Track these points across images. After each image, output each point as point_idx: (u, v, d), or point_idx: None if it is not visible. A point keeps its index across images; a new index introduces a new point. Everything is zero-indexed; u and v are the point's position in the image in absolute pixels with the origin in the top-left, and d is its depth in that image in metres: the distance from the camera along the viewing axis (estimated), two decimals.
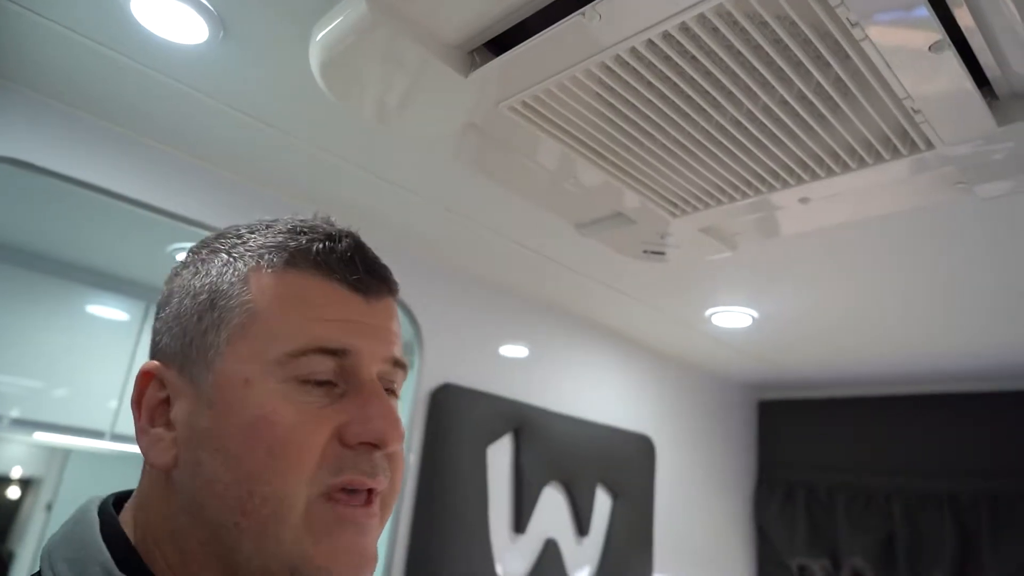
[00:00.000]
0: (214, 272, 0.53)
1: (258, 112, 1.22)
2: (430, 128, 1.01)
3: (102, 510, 0.51)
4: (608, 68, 0.81)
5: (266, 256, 0.53)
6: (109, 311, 2.36)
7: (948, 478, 2.44)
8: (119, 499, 0.54)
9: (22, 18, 1.00)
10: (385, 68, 0.88)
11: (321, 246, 0.53)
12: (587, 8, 0.72)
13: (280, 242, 0.53)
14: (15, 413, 2.06)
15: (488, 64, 0.84)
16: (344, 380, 0.51)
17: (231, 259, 0.53)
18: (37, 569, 0.48)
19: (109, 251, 2.16)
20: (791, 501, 2.84)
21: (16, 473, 2.46)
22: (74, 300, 2.29)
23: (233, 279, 0.52)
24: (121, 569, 0.46)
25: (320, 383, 0.50)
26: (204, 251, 0.55)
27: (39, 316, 2.15)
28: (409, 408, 1.74)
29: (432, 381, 1.78)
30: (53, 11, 0.99)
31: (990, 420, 2.42)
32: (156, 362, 0.52)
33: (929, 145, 0.89)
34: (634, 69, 0.81)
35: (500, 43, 0.84)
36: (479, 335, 1.97)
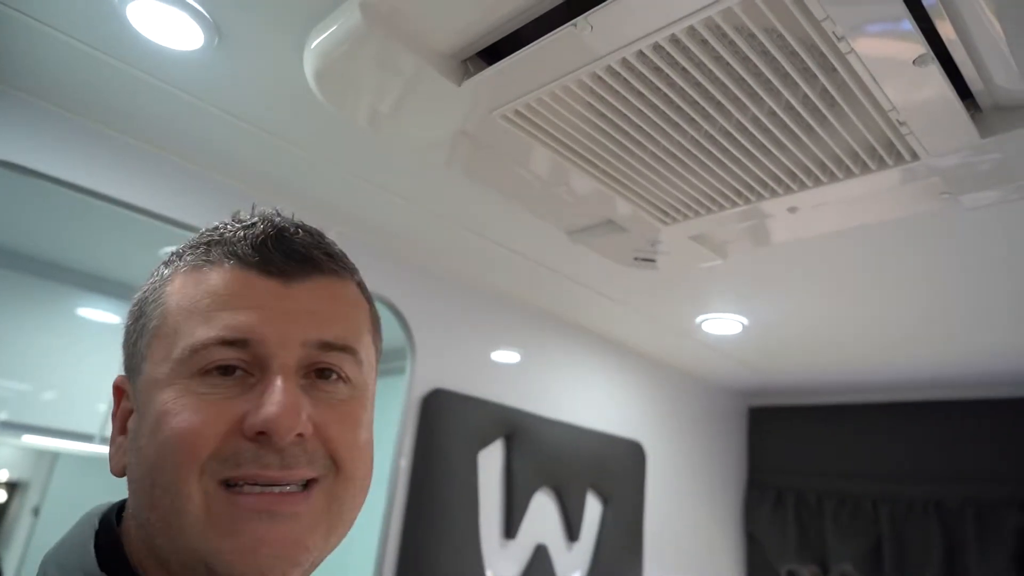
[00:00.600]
0: (147, 283, 0.55)
1: (253, 118, 1.23)
2: (423, 135, 1.01)
3: (104, 518, 0.52)
4: (599, 78, 0.82)
5: (185, 256, 0.53)
6: (99, 314, 2.35)
7: (935, 485, 2.46)
8: (124, 506, 0.55)
9: (18, 22, 1.01)
10: (379, 76, 0.89)
11: (232, 235, 0.53)
12: (579, 19, 0.73)
13: (198, 240, 0.54)
14: (3, 416, 2.05)
15: (481, 73, 0.85)
16: (258, 369, 0.49)
17: (163, 267, 0.55)
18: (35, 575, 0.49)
19: (101, 254, 2.15)
20: (780, 507, 2.85)
21: (3, 477, 2.44)
22: (65, 302, 2.28)
23: (156, 284, 0.54)
24: (104, 571, 0.47)
25: (229, 374, 0.49)
26: (155, 268, 0.57)
27: (29, 318, 2.14)
28: (400, 413, 1.74)
29: (424, 386, 1.79)
30: (49, 15, 0.99)
31: (976, 427, 2.45)
32: (122, 375, 0.55)
33: (914, 156, 0.90)
34: (625, 79, 0.82)
35: (493, 52, 0.85)
36: (471, 340, 1.98)
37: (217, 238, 0.53)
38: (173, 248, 0.56)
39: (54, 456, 2.43)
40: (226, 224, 0.55)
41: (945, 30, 0.73)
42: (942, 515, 2.41)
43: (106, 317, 2.36)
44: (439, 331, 1.86)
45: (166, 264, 0.55)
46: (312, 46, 0.90)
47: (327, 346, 0.52)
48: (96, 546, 0.48)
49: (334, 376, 0.53)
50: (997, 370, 2.28)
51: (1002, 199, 1.02)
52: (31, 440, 2.16)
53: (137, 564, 0.49)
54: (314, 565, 0.50)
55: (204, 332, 0.49)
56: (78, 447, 2.15)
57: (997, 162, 0.92)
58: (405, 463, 1.71)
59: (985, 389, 2.46)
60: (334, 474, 0.51)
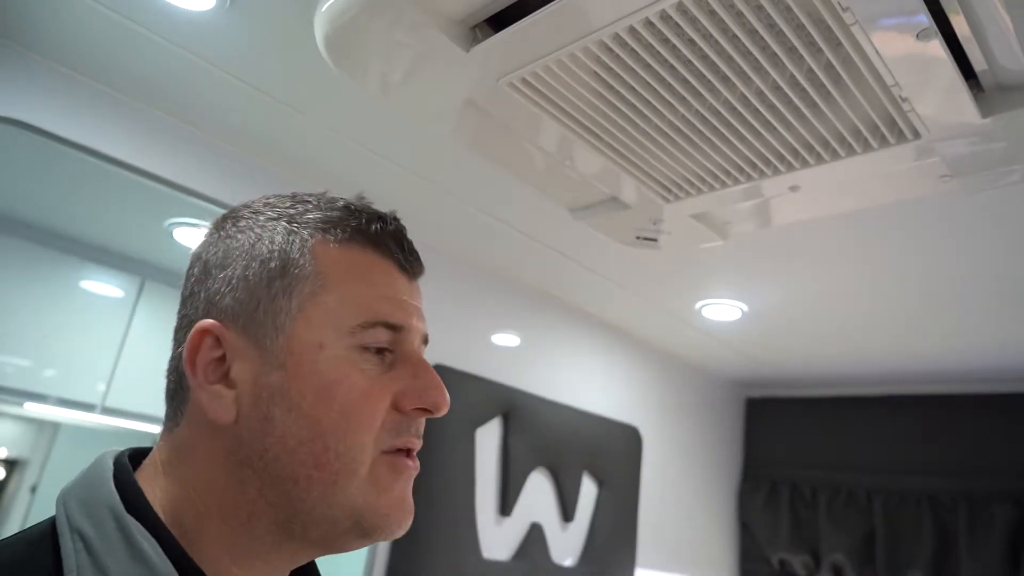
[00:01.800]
0: (279, 240, 0.56)
1: (261, 83, 1.24)
2: (431, 103, 1.02)
3: (117, 460, 0.54)
4: (606, 47, 0.83)
5: (331, 230, 0.57)
6: (103, 287, 2.35)
7: (928, 477, 2.48)
8: (135, 453, 0.56)
9: None
10: (388, 41, 0.90)
11: (377, 226, 0.59)
12: None
13: (340, 218, 0.58)
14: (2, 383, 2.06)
15: (489, 39, 0.86)
16: (394, 352, 0.57)
17: (294, 228, 0.57)
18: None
19: (105, 223, 2.16)
20: (775, 497, 2.87)
21: (2, 454, 2.46)
22: (68, 274, 2.28)
23: (303, 249, 0.56)
24: (128, 512, 0.48)
25: (378, 354, 0.55)
26: (259, 218, 0.58)
27: (31, 291, 2.14)
28: None
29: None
30: None
31: (970, 422, 2.46)
32: (213, 321, 0.54)
33: (916, 134, 0.91)
34: (631, 49, 0.83)
35: (501, 19, 0.86)
36: (472, 319, 1.99)
37: (362, 224, 0.58)
38: (291, 208, 0.58)
39: (53, 432, 2.44)
40: (357, 208, 0.60)
41: (950, 7, 0.74)
42: (935, 508, 2.42)
43: (110, 291, 2.36)
44: (440, 307, 1.88)
45: (293, 224, 0.57)
46: (322, 10, 0.90)
47: (426, 340, 0.62)
48: (116, 485, 0.51)
49: None
50: (992, 365, 2.29)
51: (1002, 182, 1.03)
52: (33, 408, 2.17)
53: (159, 510, 0.51)
54: None
55: (371, 313, 0.55)
56: (80, 416, 2.16)
57: (998, 144, 0.93)
58: None
59: (980, 384, 2.47)
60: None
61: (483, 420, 1.91)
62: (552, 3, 0.78)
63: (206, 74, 1.21)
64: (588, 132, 1.03)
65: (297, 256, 0.55)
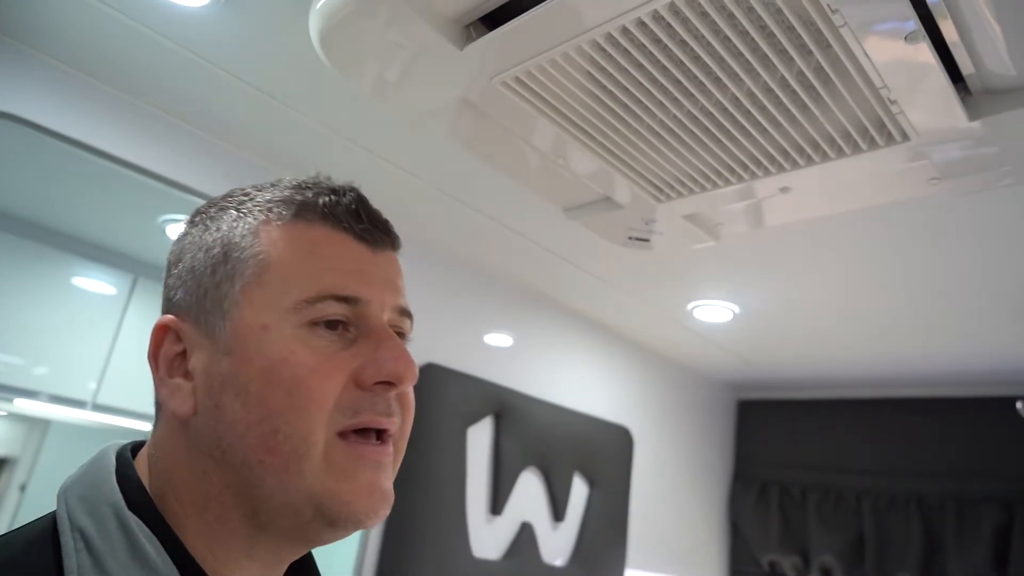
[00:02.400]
0: (224, 227, 0.55)
1: (255, 80, 1.24)
2: (426, 101, 1.03)
3: (119, 454, 0.53)
4: (599, 46, 0.84)
5: (275, 210, 0.55)
6: (96, 283, 2.35)
7: (916, 480, 2.50)
8: (136, 446, 0.56)
9: None
10: (383, 39, 0.90)
11: (327, 199, 0.56)
12: None
13: (287, 196, 0.56)
14: None
15: (483, 38, 0.86)
16: (356, 326, 0.54)
17: (240, 214, 0.56)
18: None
19: (98, 219, 2.15)
20: (765, 499, 2.88)
21: None
22: (60, 271, 2.27)
23: (244, 232, 0.55)
24: (131, 509, 0.48)
25: (332, 329, 0.52)
26: (212, 210, 0.57)
27: (22, 287, 2.13)
28: None
29: (416, 360, 1.80)
30: None
31: (959, 425, 2.48)
32: (171, 316, 0.54)
33: (905, 137, 0.92)
34: (624, 49, 0.84)
35: (495, 18, 0.86)
36: (465, 319, 2.00)
37: (311, 199, 0.56)
38: (244, 195, 0.58)
39: (44, 431, 2.42)
40: (307, 185, 0.58)
41: (938, 11, 0.75)
42: (923, 510, 2.44)
43: (102, 288, 2.35)
44: (434, 306, 1.88)
45: (241, 211, 0.56)
46: (317, 7, 0.91)
47: (403, 311, 0.57)
48: (117, 482, 0.50)
49: (403, 339, 0.58)
50: (981, 368, 2.31)
51: (991, 185, 1.04)
52: (23, 405, 2.16)
53: (160, 506, 0.50)
54: None
55: (317, 286, 0.52)
56: (70, 413, 2.16)
57: (985, 147, 0.94)
58: None
59: (968, 388, 2.49)
60: (400, 431, 0.55)
61: (475, 419, 1.92)
62: (545, 2, 0.78)
63: (201, 70, 1.21)
64: (581, 131, 1.04)
65: (239, 240, 0.54)
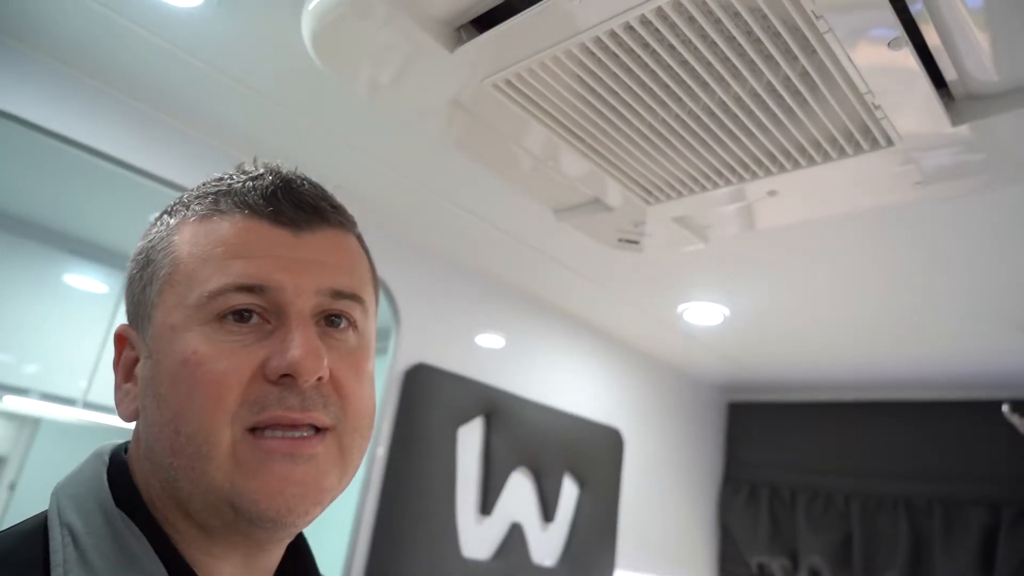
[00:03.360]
0: (153, 232, 0.56)
1: (248, 80, 1.24)
2: (417, 102, 1.04)
3: (113, 454, 0.54)
4: (588, 50, 0.85)
5: (192, 206, 0.54)
6: (87, 281, 2.34)
7: (904, 482, 2.52)
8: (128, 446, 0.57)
9: None
10: (374, 40, 0.91)
11: (241, 186, 0.54)
12: None
13: (207, 190, 0.55)
14: None
15: (473, 40, 0.87)
16: (274, 317, 0.51)
17: (167, 217, 0.56)
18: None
19: (90, 217, 2.15)
20: (754, 500, 2.90)
21: None
22: (52, 268, 2.27)
23: (164, 234, 0.54)
24: (119, 507, 0.49)
25: (245, 321, 0.50)
26: (156, 217, 0.58)
27: (13, 284, 2.13)
28: (383, 386, 1.76)
29: (407, 360, 1.81)
30: None
31: (945, 427, 2.50)
32: (125, 324, 0.56)
33: (889, 142, 0.93)
34: (613, 52, 0.85)
35: (486, 21, 0.87)
36: (456, 319, 2.01)
37: (225, 189, 0.54)
38: (178, 197, 0.58)
39: (34, 429, 2.42)
40: (231, 175, 0.56)
41: (920, 17, 0.76)
42: (911, 512, 2.46)
43: (94, 286, 2.35)
44: (424, 306, 1.89)
45: (170, 213, 0.56)
46: (309, 7, 0.91)
47: (338, 294, 0.54)
48: (108, 480, 0.51)
49: (343, 324, 0.55)
50: (968, 371, 2.33)
51: (973, 190, 1.05)
52: (12, 402, 2.15)
53: (147, 501, 0.51)
54: (330, 503, 0.53)
55: (220, 279, 0.50)
56: (60, 412, 2.15)
57: (968, 152, 0.96)
58: (382, 451, 1.73)
59: (956, 391, 2.51)
60: (343, 423, 0.52)
61: (465, 419, 1.92)
62: (535, 6, 0.79)
63: (193, 69, 1.22)
64: (571, 134, 1.05)
65: (157, 243, 0.54)
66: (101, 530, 0.47)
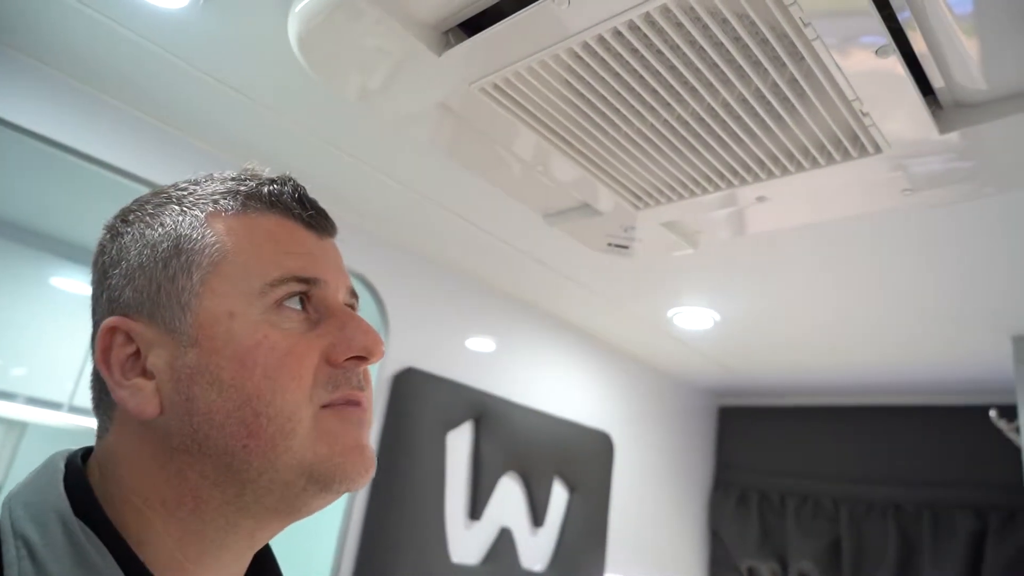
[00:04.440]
0: (169, 222, 0.54)
1: (235, 82, 1.23)
2: (404, 106, 1.03)
3: (69, 461, 0.52)
4: (576, 55, 0.85)
5: (220, 202, 0.56)
6: (74, 284, 2.32)
7: (893, 487, 2.52)
8: (88, 453, 0.55)
9: None
10: (360, 44, 0.90)
11: (271, 188, 0.58)
12: None
13: (231, 188, 0.57)
14: None
15: (461, 44, 0.87)
16: (315, 309, 0.55)
17: (184, 209, 0.55)
18: None
19: (77, 219, 2.13)
20: (744, 505, 2.90)
21: None
22: (38, 271, 2.25)
23: (194, 224, 0.54)
24: (78, 515, 0.47)
25: (298, 311, 0.54)
26: (148, 207, 0.56)
27: None
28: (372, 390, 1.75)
29: (396, 364, 1.80)
30: None
31: (934, 432, 2.51)
32: (118, 317, 0.53)
33: (877, 149, 0.93)
34: (600, 57, 0.84)
35: (473, 25, 0.87)
36: (445, 323, 2.00)
37: (253, 189, 0.57)
38: (180, 191, 0.57)
39: (20, 433, 2.39)
40: (246, 177, 0.59)
41: (908, 25, 0.76)
42: (899, 517, 2.46)
43: (81, 288, 2.33)
44: (413, 310, 1.88)
45: (183, 204, 0.55)
46: (296, 10, 0.91)
47: (352, 293, 0.60)
48: (65, 489, 0.48)
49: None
50: (956, 377, 2.34)
51: (961, 197, 1.06)
52: None
53: (110, 512, 0.49)
54: None
55: (278, 270, 0.53)
56: (46, 415, 2.13)
57: (956, 159, 0.96)
58: (373, 435, 1.72)
59: (945, 396, 2.52)
60: (368, 405, 0.57)
61: (455, 424, 1.91)
62: (523, 10, 0.79)
63: (180, 72, 1.21)
64: (559, 138, 1.04)
65: (189, 232, 0.54)
66: (59, 541, 0.45)
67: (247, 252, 0.54)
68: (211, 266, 0.53)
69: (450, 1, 0.84)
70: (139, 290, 0.53)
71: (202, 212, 0.55)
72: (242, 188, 0.57)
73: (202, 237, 0.54)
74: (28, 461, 2.32)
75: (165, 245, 0.54)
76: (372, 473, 0.54)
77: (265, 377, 0.50)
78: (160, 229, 0.54)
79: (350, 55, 0.93)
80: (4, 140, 1.29)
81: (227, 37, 1.10)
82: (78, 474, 0.51)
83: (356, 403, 0.54)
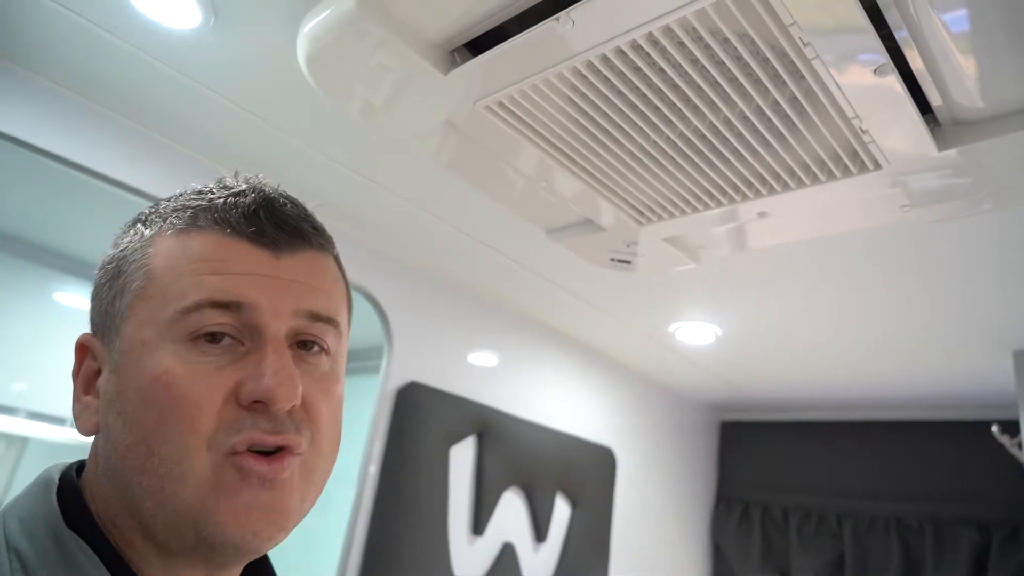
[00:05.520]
0: (124, 242, 0.54)
1: (243, 101, 1.25)
2: (411, 124, 1.04)
3: (63, 474, 0.52)
4: (580, 73, 0.86)
5: (170, 219, 0.53)
6: (77, 299, 2.33)
7: (896, 502, 2.52)
8: (82, 466, 0.55)
9: None
10: (368, 62, 0.92)
11: (222, 202, 0.53)
12: (561, 14, 0.76)
13: (184, 204, 0.54)
14: None
15: (467, 64, 0.88)
16: (248, 338, 0.50)
17: (141, 227, 0.55)
18: None
19: (80, 235, 2.15)
20: (747, 520, 2.89)
21: None
22: (41, 286, 2.26)
23: (137, 245, 0.53)
24: (71, 527, 0.47)
25: (217, 342, 0.49)
26: (127, 225, 0.56)
27: (2, 302, 2.12)
28: (374, 404, 1.76)
29: (399, 379, 1.81)
30: None
31: (937, 448, 2.51)
32: (89, 334, 0.54)
33: (877, 165, 0.95)
34: (604, 76, 0.86)
35: (479, 44, 0.88)
36: (448, 338, 2.00)
37: (205, 204, 0.53)
38: (153, 207, 0.56)
39: (21, 448, 2.39)
40: (211, 189, 0.55)
41: (905, 44, 0.78)
42: (902, 531, 2.46)
43: (83, 304, 2.33)
44: (416, 325, 1.89)
45: (144, 224, 0.54)
46: (305, 30, 0.92)
47: (315, 317, 0.53)
48: (58, 501, 0.49)
49: (316, 348, 0.54)
50: (958, 392, 2.34)
51: (959, 214, 1.07)
52: (0, 422, 2.13)
53: (102, 521, 0.50)
54: (293, 528, 0.52)
55: (195, 294, 0.49)
56: (48, 431, 2.13)
57: (954, 176, 0.97)
58: (374, 469, 1.72)
59: (947, 411, 2.52)
60: (311, 447, 0.52)
61: (457, 438, 1.92)
62: (528, 31, 0.80)
63: (189, 91, 1.22)
64: (563, 156, 1.06)
65: (129, 254, 0.52)
66: (51, 553, 0.45)
67: (169, 276, 0.50)
68: (138, 290, 0.51)
69: (456, 21, 0.85)
70: (94, 310, 0.54)
71: (150, 231, 0.53)
72: (192, 203, 0.53)
73: (140, 258, 0.52)
74: (29, 476, 2.32)
75: (112, 267, 0.54)
76: (274, 536, 0.49)
77: (160, 415, 0.47)
78: (114, 249, 0.55)
79: (357, 74, 0.95)
80: (10, 156, 1.30)
81: (236, 57, 1.12)
82: (71, 486, 0.51)
83: (284, 450, 0.49)
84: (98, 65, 1.19)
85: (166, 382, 0.47)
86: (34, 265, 2.21)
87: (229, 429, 0.48)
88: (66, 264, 2.27)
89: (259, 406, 0.48)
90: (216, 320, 0.49)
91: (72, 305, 2.30)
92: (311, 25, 0.92)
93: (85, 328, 0.56)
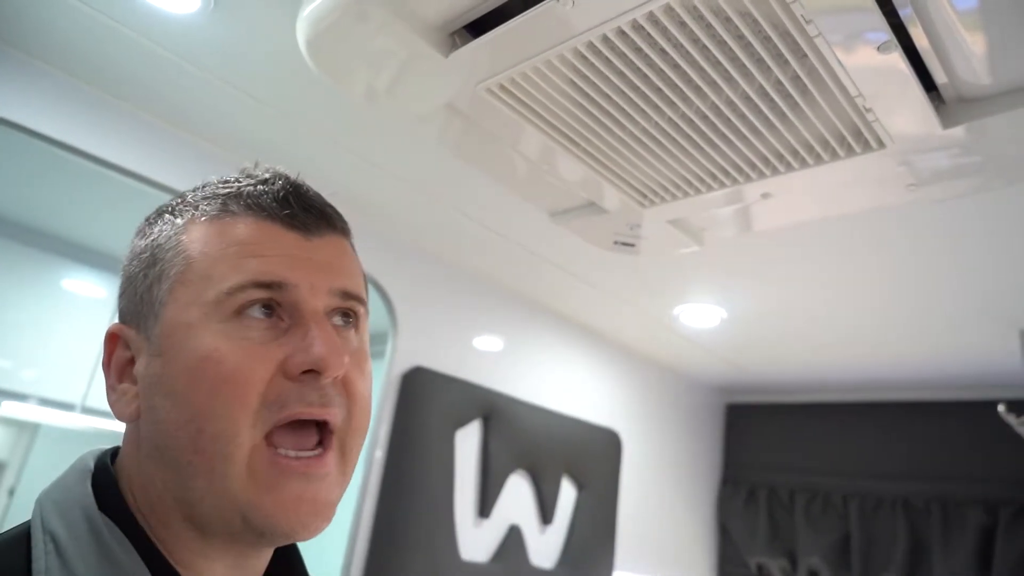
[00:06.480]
0: (155, 231, 0.56)
1: (245, 85, 1.25)
2: (412, 107, 1.04)
3: (98, 460, 0.54)
4: (580, 54, 0.85)
5: (201, 207, 0.55)
6: (86, 286, 2.35)
7: (902, 482, 2.52)
8: (117, 452, 0.57)
9: None
10: (367, 46, 0.92)
11: (252, 189, 0.56)
12: None
13: (213, 192, 0.56)
14: None
15: (467, 45, 0.88)
16: (288, 315, 0.52)
17: (171, 216, 0.56)
18: None
19: (89, 222, 2.16)
20: (753, 501, 2.90)
21: None
22: (50, 274, 2.27)
23: (171, 233, 0.55)
24: (104, 512, 0.49)
25: (261, 319, 0.51)
26: (153, 216, 0.58)
27: (12, 290, 2.14)
28: (380, 389, 1.77)
29: (404, 363, 1.81)
30: None
31: (944, 428, 2.51)
32: (119, 324, 0.56)
33: (881, 144, 0.94)
34: (605, 57, 0.85)
35: (479, 26, 0.88)
36: (453, 322, 2.01)
37: (235, 191, 0.55)
38: (179, 197, 0.58)
39: (33, 434, 2.42)
40: (236, 178, 0.57)
41: (909, 21, 0.77)
42: (909, 512, 2.46)
43: (93, 291, 2.35)
44: (421, 309, 1.89)
45: (174, 213, 0.56)
46: (304, 13, 0.92)
47: (347, 295, 0.56)
48: (93, 487, 0.51)
49: (350, 324, 0.57)
50: (965, 372, 2.33)
51: (965, 192, 1.06)
52: (11, 408, 2.16)
53: (137, 505, 0.51)
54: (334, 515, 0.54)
55: (237, 276, 0.51)
56: (59, 417, 2.16)
57: (959, 154, 0.96)
58: (380, 454, 1.73)
59: (954, 391, 2.52)
60: (348, 422, 0.53)
61: (463, 422, 1.93)
62: (528, 11, 0.80)
63: (190, 76, 1.22)
64: (565, 138, 1.05)
65: (164, 242, 0.54)
66: (84, 537, 0.47)
67: (210, 259, 0.52)
68: (178, 275, 0.53)
69: (456, 3, 0.85)
70: (128, 298, 0.56)
71: (182, 219, 0.55)
72: (222, 191, 0.56)
73: (174, 245, 0.54)
74: (40, 462, 2.35)
75: (146, 256, 0.55)
76: (320, 526, 0.51)
77: (210, 391, 0.48)
78: (147, 239, 0.56)
79: (358, 58, 0.94)
80: (18, 144, 1.31)
81: (236, 41, 1.12)
82: (105, 472, 0.53)
83: (312, 435, 0.51)
84: (98, 50, 1.19)
85: (216, 358, 0.49)
86: (42, 253, 2.22)
87: (274, 404, 0.49)
88: (74, 251, 2.28)
89: (307, 376, 0.50)
90: (263, 296, 0.51)
91: (81, 292, 2.32)
92: (311, 8, 0.91)
93: (94, 314, 0.57)
